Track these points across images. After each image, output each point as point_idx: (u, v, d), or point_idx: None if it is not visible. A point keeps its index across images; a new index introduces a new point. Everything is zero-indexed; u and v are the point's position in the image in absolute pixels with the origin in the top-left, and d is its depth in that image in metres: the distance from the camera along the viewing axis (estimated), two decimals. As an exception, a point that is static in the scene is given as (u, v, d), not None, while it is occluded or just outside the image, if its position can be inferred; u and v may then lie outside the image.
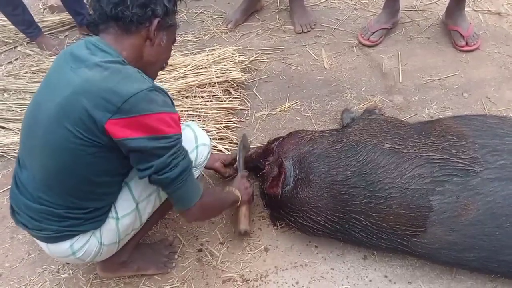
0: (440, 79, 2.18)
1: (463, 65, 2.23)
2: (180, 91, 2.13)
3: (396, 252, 1.48)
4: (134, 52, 1.16)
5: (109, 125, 1.02)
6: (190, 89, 2.14)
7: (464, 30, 2.27)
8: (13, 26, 2.53)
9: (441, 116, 1.96)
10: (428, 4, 2.62)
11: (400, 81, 2.19)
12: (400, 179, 1.36)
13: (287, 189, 1.49)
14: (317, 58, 2.37)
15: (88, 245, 1.23)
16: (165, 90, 1.15)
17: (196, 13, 2.75)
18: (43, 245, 1.24)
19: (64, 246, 1.21)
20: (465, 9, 2.31)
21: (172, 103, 1.15)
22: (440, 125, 1.51)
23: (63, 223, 1.16)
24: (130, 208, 1.27)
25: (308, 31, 2.53)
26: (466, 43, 2.27)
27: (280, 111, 2.11)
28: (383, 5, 2.41)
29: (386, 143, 1.44)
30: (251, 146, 1.90)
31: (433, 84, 2.16)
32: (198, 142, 1.38)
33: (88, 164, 1.09)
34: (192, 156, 1.35)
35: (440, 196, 1.32)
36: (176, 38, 1.32)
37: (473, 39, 2.27)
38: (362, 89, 2.17)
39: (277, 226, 1.65)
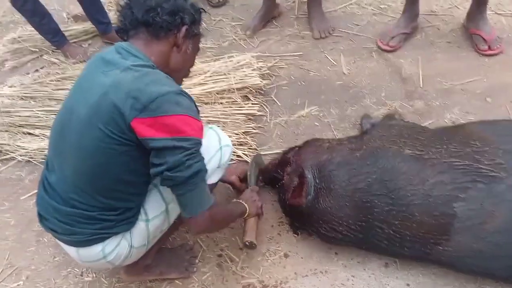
0: (462, 83, 2.14)
1: (485, 69, 2.19)
2: (199, 97, 2.16)
3: (419, 260, 1.45)
4: (162, 58, 1.20)
5: (135, 123, 1.05)
6: (209, 96, 2.17)
7: (486, 34, 2.23)
8: (39, 36, 2.62)
9: (463, 122, 1.93)
10: (448, 8, 2.59)
11: (421, 86, 2.16)
12: (422, 186, 1.34)
13: (308, 199, 1.47)
14: (335, 63, 2.36)
15: (119, 247, 1.25)
16: (192, 97, 1.17)
17: (215, 21, 2.78)
18: (72, 250, 1.25)
19: (95, 250, 1.22)
20: (487, 12, 2.27)
21: (198, 111, 1.17)
22: (463, 131, 1.49)
23: (96, 226, 1.19)
24: (160, 210, 1.30)
25: (326, 36, 2.53)
26: (489, 47, 2.23)
27: (298, 117, 2.11)
28: (402, 10, 2.39)
29: (407, 149, 1.43)
30: (269, 152, 1.91)
31: (454, 89, 2.12)
32: (222, 143, 1.40)
33: (120, 164, 1.12)
34: (217, 156, 1.37)
35: (464, 203, 1.29)
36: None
37: (496, 43, 2.23)
38: (382, 95, 2.15)
39: (298, 235, 1.65)
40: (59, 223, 1.20)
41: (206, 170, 1.15)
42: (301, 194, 1.48)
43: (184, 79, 1.37)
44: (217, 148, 1.38)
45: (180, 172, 1.08)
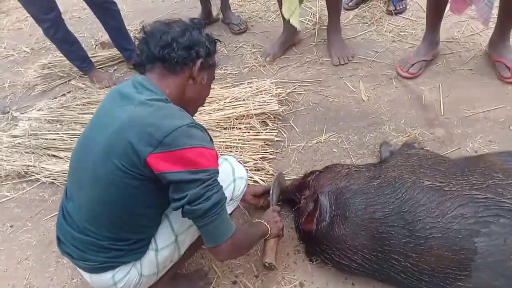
0: (484, 111, 2.10)
1: (509, 97, 2.14)
2: (219, 122, 2.20)
3: (439, 295, 1.40)
4: (177, 90, 1.24)
5: (151, 158, 1.07)
6: (228, 121, 2.20)
7: (509, 61, 2.19)
8: (67, 62, 2.75)
9: (486, 151, 1.88)
10: (470, 35, 2.57)
11: (442, 114, 2.13)
12: (441, 219, 1.31)
13: (322, 225, 1.47)
14: (354, 90, 2.37)
15: (128, 276, 1.27)
16: (204, 127, 1.19)
17: (236, 47, 2.85)
18: (86, 275, 1.29)
19: (106, 277, 1.25)
20: (510, 39, 2.24)
21: (211, 140, 1.19)
22: (484, 162, 1.45)
23: (106, 254, 1.21)
24: (170, 240, 1.31)
25: (346, 63, 2.54)
26: (512, 75, 2.19)
27: (316, 143, 2.11)
28: (422, 37, 2.39)
29: (426, 180, 1.40)
30: (286, 178, 1.91)
31: (477, 117, 2.08)
32: (235, 175, 1.41)
33: (132, 197, 1.15)
34: (229, 189, 1.38)
35: (486, 238, 1.25)
36: (216, 72, 1.41)
37: (520, 70, 2.19)
38: (401, 122, 2.13)
39: (313, 262, 1.62)
40: (74, 249, 1.24)
41: (225, 198, 1.17)
42: (312, 220, 1.48)
43: (203, 106, 1.40)
44: (231, 180, 1.39)
45: (200, 204, 1.10)
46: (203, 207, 1.10)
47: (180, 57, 1.19)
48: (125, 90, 1.19)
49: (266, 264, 1.52)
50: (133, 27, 3.19)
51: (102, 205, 1.17)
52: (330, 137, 2.13)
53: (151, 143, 1.07)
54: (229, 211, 1.41)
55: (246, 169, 1.62)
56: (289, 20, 2.30)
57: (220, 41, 1.37)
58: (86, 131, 1.24)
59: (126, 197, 1.14)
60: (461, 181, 1.38)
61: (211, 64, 1.30)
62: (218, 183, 1.15)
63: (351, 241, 1.41)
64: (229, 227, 1.17)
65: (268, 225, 1.50)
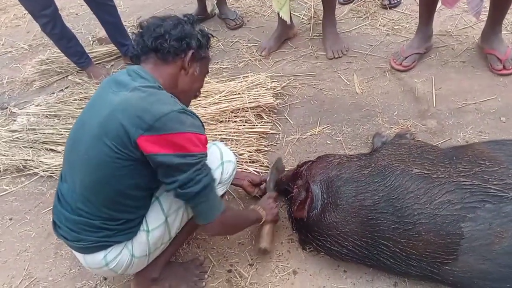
0: (476, 103, 2.13)
1: (500, 89, 2.17)
2: (214, 116, 2.23)
3: (428, 280, 1.43)
4: (170, 80, 1.28)
5: (141, 140, 1.12)
6: (224, 114, 2.23)
7: (501, 54, 2.22)
8: (65, 58, 2.78)
9: (477, 141, 1.91)
10: (463, 28, 2.59)
11: (434, 105, 2.16)
12: (429, 205, 1.34)
13: (314, 213, 1.50)
14: (348, 83, 2.40)
15: (120, 256, 1.31)
16: (195, 113, 1.23)
17: (232, 42, 2.88)
18: (80, 256, 1.33)
19: (99, 257, 1.29)
20: (502, 32, 2.27)
21: (202, 125, 1.24)
22: (472, 150, 1.48)
23: (98, 234, 1.26)
24: (160, 221, 1.35)
25: (340, 57, 2.57)
26: (504, 67, 2.21)
27: (311, 135, 2.14)
28: (415, 30, 2.42)
29: (415, 168, 1.43)
30: (283, 170, 1.94)
31: (468, 108, 2.11)
32: (223, 159, 1.45)
33: (123, 177, 1.19)
34: (218, 172, 1.42)
35: (472, 223, 1.28)
36: (212, 66, 1.44)
37: (511, 62, 2.21)
38: (394, 114, 2.16)
39: (306, 250, 1.66)
40: (69, 230, 1.28)
41: (214, 180, 1.25)
42: (303, 208, 1.51)
43: (198, 98, 1.45)
44: (219, 163, 1.43)
45: (190, 188, 1.17)
46: (193, 190, 1.17)
47: (172, 47, 1.25)
48: (120, 78, 1.23)
49: (262, 248, 1.57)
50: (130, 23, 3.22)
51: (94, 185, 1.21)
52: (324, 129, 2.16)
53: (142, 126, 1.11)
54: (219, 194, 1.45)
55: (236, 156, 1.64)
56: (278, 14, 2.33)
57: (213, 36, 1.41)
58: (80, 117, 1.29)
59: (117, 177, 1.18)
60: (449, 169, 1.41)
61: (203, 56, 1.34)
62: (207, 166, 1.21)
63: (342, 227, 1.44)
64: (218, 206, 1.26)
65: (263, 211, 1.55)
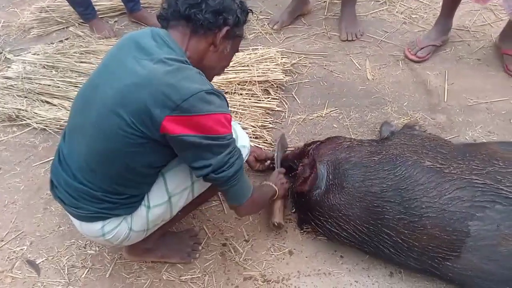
0: (487, 102, 2.10)
1: (513, 91, 2.15)
2: (220, 86, 2.15)
3: (425, 274, 1.43)
4: (197, 54, 1.17)
5: (167, 121, 1.03)
6: (230, 85, 2.16)
7: (518, 55, 2.18)
8: (67, 7, 2.64)
9: (485, 141, 1.89)
10: (481, 25, 2.54)
11: (445, 100, 2.12)
12: (438, 199, 1.31)
13: (317, 192, 1.47)
14: (360, 68, 2.33)
15: (118, 228, 1.25)
16: (223, 93, 1.15)
17: (243, 12, 2.76)
18: (76, 222, 1.26)
19: (96, 227, 1.23)
20: (522, 34, 2.22)
21: (228, 105, 1.16)
22: (486, 149, 1.46)
23: (99, 205, 1.18)
24: (163, 200, 1.28)
25: (354, 40, 2.50)
26: (519, 69, 2.19)
27: (317, 117, 2.09)
28: (434, 21, 2.36)
29: (428, 161, 1.40)
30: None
31: (479, 107, 2.08)
32: (238, 143, 1.37)
33: (134, 154, 1.10)
34: None
35: (480, 222, 1.27)
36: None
37: (527, 66, 2.18)
38: (404, 104, 2.12)
39: (303, 229, 1.63)
40: (67, 195, 1.20)
41: (243, 161, 1.20)
42: (305, 182, 1.50)
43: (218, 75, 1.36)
44: None
45: (224, 172, 1.12)
46: (227, 174, 1.12)
47: (206, 20, 1.12)
48: (143, 41, 1.11)
49: (276, 223, 1.56)
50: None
51: (101, 157, 1.12)
52: (332, 112, 2.11)
53: (168, 105, 1.02)
54: None
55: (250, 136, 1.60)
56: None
57: (253, 12, 1.29)
58: (94, 77, 1.17)
59: (127, 153, 1.10)
60: (461, 165, 1.38)
61: (238, 34, 1.22)
62: (238, 148, 1.15)
63: (345, 210, 1.41)
64: (248, 188, 1.24)
65: (275, 187, 1.51)
